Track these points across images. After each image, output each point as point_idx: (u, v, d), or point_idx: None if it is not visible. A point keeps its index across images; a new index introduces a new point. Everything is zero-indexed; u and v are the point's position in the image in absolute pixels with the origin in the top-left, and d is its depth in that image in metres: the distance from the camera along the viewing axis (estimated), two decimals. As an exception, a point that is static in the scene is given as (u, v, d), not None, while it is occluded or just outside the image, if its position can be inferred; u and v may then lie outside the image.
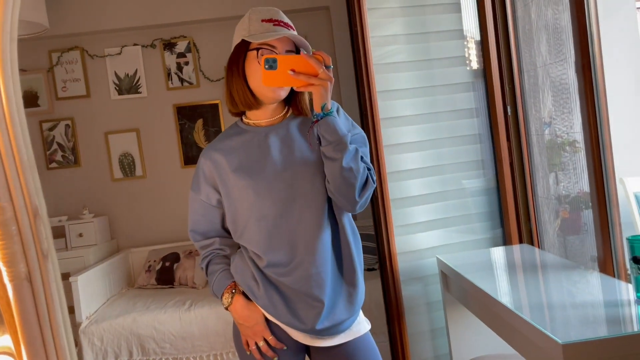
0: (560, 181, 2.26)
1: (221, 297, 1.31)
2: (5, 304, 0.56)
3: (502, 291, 1.69)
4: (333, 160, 1.19)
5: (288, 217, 1.25)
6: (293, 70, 1.14)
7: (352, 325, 1.30)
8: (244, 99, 1.24)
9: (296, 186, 1.25)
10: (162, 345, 2.62)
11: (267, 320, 1.30)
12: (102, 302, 2.94)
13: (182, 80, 3.46)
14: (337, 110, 1.30)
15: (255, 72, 1.21)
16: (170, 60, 3.44)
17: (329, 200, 1.28)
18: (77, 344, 2.63)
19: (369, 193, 1.23)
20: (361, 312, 1.36)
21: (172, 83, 3.45)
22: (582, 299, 1.49)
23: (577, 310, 1.39)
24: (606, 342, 1.15)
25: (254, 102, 1.25)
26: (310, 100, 1.26)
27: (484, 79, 2.36)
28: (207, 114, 3.48)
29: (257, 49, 1.21)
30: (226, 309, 1.32)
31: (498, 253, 2.23)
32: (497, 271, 2.01)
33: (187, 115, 3.48)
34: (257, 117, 1.30)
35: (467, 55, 2.43)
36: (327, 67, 1.16)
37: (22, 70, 3.37)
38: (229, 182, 1.28)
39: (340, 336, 1.28)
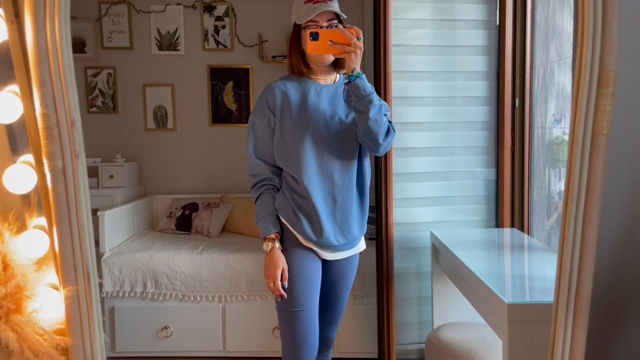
0: (563, 177, 2.38)
1: (263, 240, 1.64)
2: (44, 190, 0.77)
3: (479, 264, 1.86)
4: (362, 113, 1.54)
5: (328, 153, 1.62)
6: (331, 41, 1.49)
7: (359, 244, 1.74)
8: (297, 68, 1.66)
9: (337, 130, 1.62)
10: (173, 282, 2.88)
11: (299, 245, 1.64)
12: (124, 239, 3.21)
13: (217, 42, 3.65)
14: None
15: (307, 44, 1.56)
16: (209, 22, 3.64)
17: (359, 145, 1.65)
18: (99, 271, 2.91)
19: (390, 139, 1.60)
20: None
21: (208, 44, 3.65)
22: (542, 274, 1.65)
23: (533, 281, 1.55)
24: (547, 306, 1.31)
25: (306, 70, 1.66)
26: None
27: (497, 69, 2.47)
28: (238, 77, 3.67)
29: (305, 27, 1.56)
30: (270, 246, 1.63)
31: (488, 233, 2.38)
32: (481, 248, 2.17)
33: (219, 76, 3.68)
34: (315, 75, 1.68)
35: (489, 45, 2.54)
36: (358, 38, 1.50)
37: (72, 18, 3.59)
38: (286, 114, 1.62)
39: (349, 251, 1.71)
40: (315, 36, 1.50)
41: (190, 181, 3.77)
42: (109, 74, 3.67)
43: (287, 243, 1.65)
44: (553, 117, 2.36)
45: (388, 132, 1.60)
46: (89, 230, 0.75)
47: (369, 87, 1.53)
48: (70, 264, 0.77)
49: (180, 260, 2.90)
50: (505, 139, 2.44)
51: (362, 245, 1.77)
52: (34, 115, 0.66)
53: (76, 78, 3.48)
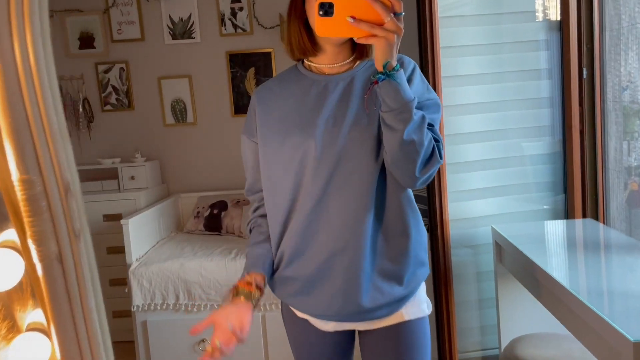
0: (633, 150, 2.09)
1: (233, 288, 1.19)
2: (36, 282, 0.53)
3: (560, 269, 1.59)
4: (393, 130, 1.02)
5: (330, 186, 1.11)
6: (353, 18, 0.95)
7: (399, 310, 1.18)
8: (299, 44, 1.12)
9: (348, 150, 1.10)
10: (207, 291, 2.68)
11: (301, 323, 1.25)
12: (152, 245, 3.01)
13: (235, 26, 3.36)
14: (413, 71, 1.15)
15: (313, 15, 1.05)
16: (225, 5, 3.34)
17: (381, 170, 1.12)
18: (127, 284, 2.72)
19: (433, 170, 1.08)
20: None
21: (225, 29, 3.37)
22: (654, 287, 1.37)
23: (649, 300, 1.27)
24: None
25: (311, 48, 1.12)
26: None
27: (559, 36, 2.15)
28: (259, 62, 3.39)
29: None
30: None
31: (558, 226, 2.09)
32: (556, 246, 1.89)
33: (239, 63, 3.40)
34: (320, 61, 1.16)
35: (542, 9, 2.22)
36: (396, 14, 0.95)
37: (78, 11, 3.36)
38: (270, 128, 1.16)
39: (374, 321, 1.18)
40: (327, 9, 0.96)
41: (216, 177, 3.54)
42: (122, 68, 3.42)
43: (283, 308, 1.29)
44: (627, 85, 2.05)
45: (431, 158, 1.06)
46: (104, 335, 0.52)
47: (409, 92, 1.00)
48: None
49: (213, 268, 2.68)
50: (572, 116, 2.13)
51: (409, 311, 1.18)
52: (11, 180, 0.43)
53: (87, 75, 3.22)
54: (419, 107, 1.08)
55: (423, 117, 1.04)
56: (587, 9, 2.07)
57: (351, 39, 1.12)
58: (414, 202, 1.18)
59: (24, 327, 0.53)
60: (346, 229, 1.11)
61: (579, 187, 2.15)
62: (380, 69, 0.98)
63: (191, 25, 3.36)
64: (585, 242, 1.88)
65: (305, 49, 1.12)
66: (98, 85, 3.44)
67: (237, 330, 1.09)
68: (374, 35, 0.96)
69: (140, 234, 2.88)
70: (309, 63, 1.18)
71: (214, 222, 3.22)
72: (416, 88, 1.12)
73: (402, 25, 0.95)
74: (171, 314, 2.73)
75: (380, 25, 0.95)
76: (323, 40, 1.11)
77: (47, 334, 0.54)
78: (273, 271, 1.23)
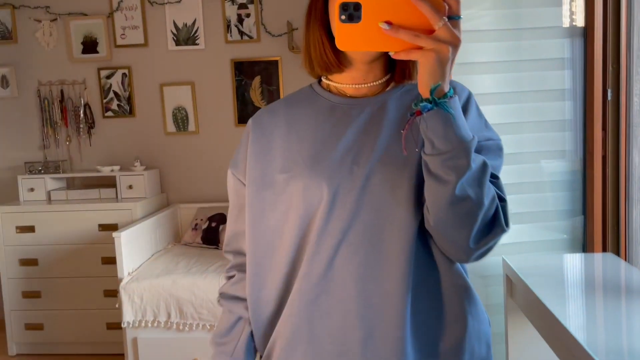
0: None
1: None
2: None
3: (576, 318, 1.43)
4: (440, 181, 0.73)
5: (340, 247, 0.81)
6: (389, 23, 0.67)
7: None
8: (321, 57, 0.83)
9: (377, 201, 0.80)
10: (199, 310, 2.55)
11: None
12: (146, 257, 2.90)
13: (242, 33, 3.25)
14: (468, 100, 0.86)
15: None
16: (231, 11, 3.23)
17: (420, 229, 0.81)
18: (118, 299, 2.60)
19: (494, 242, 0.78)
20: None
21: (231, 36, 3.26)
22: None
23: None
24: None
25: (336, 62, 0.83)
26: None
27: (584, 55, 2.00)
28: (265, 71, 3.27)
29: None
30: None
31: (575, 262, 1.93)
32: (571, 288, 1.73)
33: (244, 71, 3.29)
34: (342, 80, 0.87)
35: (565, 25, 2.06)
36: (451, 17, 0.67)
37: (82, 15, 3.28)
38: (269, 166, 0.88)
39: None
40: (352, 12, 0.68)
41: (217, 188, 3.42)
42: (124, 74, 3.32)
43: None
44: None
45: (493, 223, 0.77)
46: None
47: (466, 129, 0.72)
48: None
49: (207, 287, 2.55)
50: (594, 140, 1.97)
51: None
52: None
53: (90, 80, 3.15)
54: (477, 150, 0.78)
55: (484, 165, 0.74)
56: (613, 24, 1.92)
57: (387, 53, 0.81)
58: (467, 275, 0.87)
59: None
60: (371, 311, 0.80)
61: (599, 218, 1.99)
62: (426, 94, 0.70)
63: (196, 31, 3.26)
64: (604, 283, 1.72)
65: (329, 63, 0.83)
66: (100, 90, 3.35)
67: None
68: (419, 48, 0.68)
69: (134, 246, 2.77)
70: (328, 82, 0.89)
71: (211, 235, 3.10)
72: (472, 123, 0.84)
73: (460, 34, 0.67)
74: (163, 332, 2.61)
75: (428, 33, 0.67)
76: (353, 53, 0.81)
77: None
78: None
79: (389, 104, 0.86)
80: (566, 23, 2.06)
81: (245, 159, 0.92)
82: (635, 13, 1.90)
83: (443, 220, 0.75)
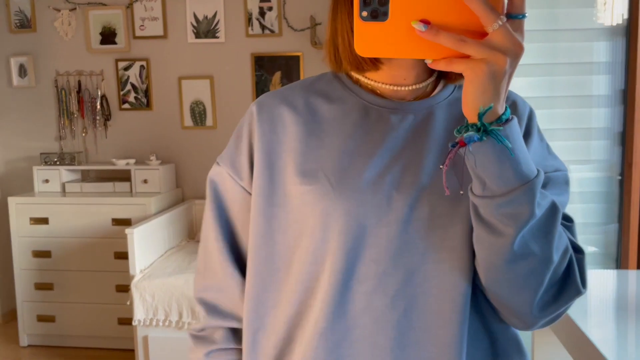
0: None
1: None
2: None
3: (604, 333, 1.35)
4: (494, 233, 0.57)
5: (387, 297, 0.63)
6: (425, 23, 0.51)
7: None
8: (350, 53, 0.64)
9: (409, 238, 0.63)
10: (212, 312, 2.49)
11: None
12: (159, 255, 2.85)
13: (263, 27, 3.17)
14: (530, 121, 0.70)
15: None
16: (253, 4, 3.15)
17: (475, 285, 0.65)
18: (130, 296, 2.56)
19: (565, 307, 0.63)
20: None
21: (252, 29, 3.18)
22: None
23: None
24: None
25: (369, 59, 0.64)
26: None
27: (626, 58, 1.88)
28: (287, 66, 3.19)
29: None
30: None
31: (608, 278, 1.83)
32: (602, 304, 1.64)
33: (265, 66, 3.21)
34: (377, 77, 0.69)
35: (609, 27, 1.95)
36: (511, 16, 0.52)
37: (102, 5, 3.23)
38: (285, 170, 0.68)
39: None
40: (376, 7, 0.52)
41: (233, 185, 3.35)
42: (142, 66, 3.27)
43: None
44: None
45: (566, 283, 0.62)
46: None
47: (529, 164, 0.55)
48: None
49: (220, 287, 2.49)
50: (634, 150, 1.86)
51: None
52: None
53: (107, 72, 3.07)
54: (542, 186, 0.60)
55: (554, 209, 0.58)
56: (659, 28, 1.81)
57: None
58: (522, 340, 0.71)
59: None
60: None
61: (636, 232, 1.88)
62: (473, 119, 0.53)
63: (216, 24, 3.19)
64: (638, 302, 1.61)
65: (361, 60, 0.64)
66: (117, 82, 3.30)
67: None
68: (466, 56, 0.51)
69: (147, 243, 2.72)
70: (361, 77, 0.70)
71: (227, 234, 3.04)
72: (534, 150, 0.68)
73: (523, 39, 0.52)
74: (174, 331, 2.55)
75: (479, 37, 0.51)
76: None
77: None
78: None
79: (436, 112, 0.68)
80: (607, 24, 1.94)
81: (247, 159, 0.71)
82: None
83: (499, 281, 0.59)
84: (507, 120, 0.53)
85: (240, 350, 0.76)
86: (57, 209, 2.98)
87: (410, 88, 0.68)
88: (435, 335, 0.62)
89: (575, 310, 1.54)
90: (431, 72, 0.69)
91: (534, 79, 1.95)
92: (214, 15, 3.18)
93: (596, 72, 1.95)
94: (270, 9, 3.15)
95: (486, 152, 0.53)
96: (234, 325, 0.76)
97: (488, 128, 0.52)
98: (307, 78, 0.75)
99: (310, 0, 3.12)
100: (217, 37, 3.19)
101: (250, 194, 0.71)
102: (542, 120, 1.95)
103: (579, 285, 0.61)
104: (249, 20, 3.17)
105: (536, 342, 1.85)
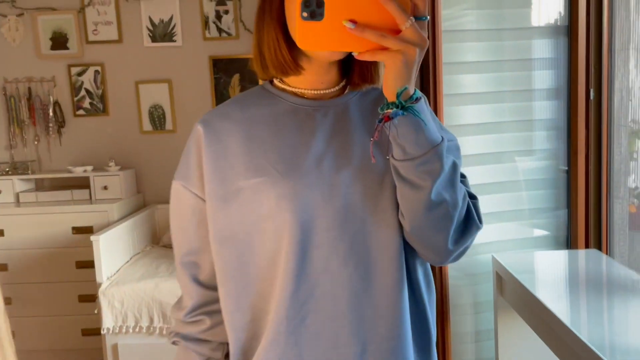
0: (632, 171, 2.01)
1: None
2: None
3: (562, 306, 1.50)
4: (415, 188, 0.71)
5: (333, 266, 0.76)
6: (354, 22, 0.65)
7: None
8: (276, 57, 0.77)
9: (351, 208, 0.76)
10: (184, 315, 2.50)
11: None
12: (124, 261, 2.82)
13: (220, 30, 3.19)
14: (426, 103, 0.79)
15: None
16: (209, 7, 3.16)
17: (402, 240, 0.78)
18: (97, 305, 2.52)
19: (470, 240, 0.79)
20: None
21: (209, 33, 3.19)
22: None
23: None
24: None
25: (293, 64, 0.77)
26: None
27: (568, 55, 2.04)
28: (245, 68, 3.22)
29: None
30: None
31: (561, 258, 1.99)
32: (558, 280, 1.80)
33: (223, 68, 3.23)
34: (298, 84, 0.82)
35: (552, 25, 2.11)
36: (418, 18, 0.65)
37: (52, 9, 3.15)
38: (234, 175, 0.79)
39: None
40: (314, 8, 0.65)
41: (195, 188, 3.35)
42: (96, 71, 3.21)
43: None
44: (630, 105, 1.96)
45: (468, 222, 0.78)
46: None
47: (435, 132, 0.71)
48: None
49: (191, 290, 2.50)
50: (578, 139, 2.02)
51: None
52: None
53: (59, 77, 3.01)
54: None
55: (455, 166, 0.74)
56: (595, 24, 1.97)
57: (344, 58, 0.78)
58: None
59: None
60: (364, 325, 0.77)
61: (583, 216, 2.04)
62: (392, 98, 0.67)
63: (172, 28, 3.18)
64: (588, 277, 1.79)
65: (285, 64, 0.77)
66: (71, 88, 3.23)
67: None
68: (385, 49, 0.65)
69: (112, 249, 2.68)
70: (282, 85, 0.84)
71: (192, 237, 3.05)
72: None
73: (426, 35, 0.66)
74: (144, 337, 2.54)
75: (394, 34, 0.65)
76: (313, 53, 0.76)
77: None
78: None
79: (351, 106, 0.83)
80: (549, 23, 2.10)
81: (198, 169, 0.81)
82: (615, 13, 1.95)
83: (420, 226, 0.74)
84: (417, 99, 0.68)
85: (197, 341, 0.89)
86: (11, 220, 2.89)
87: (326, 91, 0.83)
88: (380, 283, 0.77)
89: (533, 284, 1.68)
90: (340, 78, 0.84)
91: (483, 75, 2.08)
92: (170, 19, 3.17)
93: (540, 68, 2.10)
94: (226, 12, 3.17)
95: (406, 124, 0.68)
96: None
97: (405, 105, 0.67)
98: (238, 94, 0.89)
99: (266, 3, 3.17)
100: (174, 41, 3.19)
101: (202, 200, 0.82)
102: (492, 114, 2.09)
103: (477, 222, 0.79)
104: (206, 23, 3.18)
105: (500, 322, 1.98)
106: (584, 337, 1.25)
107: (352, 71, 0.82)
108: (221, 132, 0.81)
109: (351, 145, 0.79)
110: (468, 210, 0.77)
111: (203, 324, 0.88)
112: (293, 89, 0.83)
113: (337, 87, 0.83)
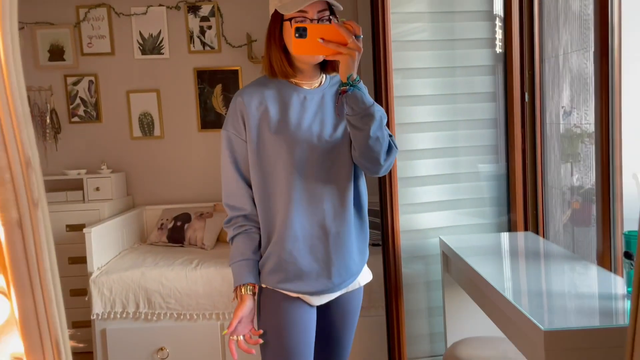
0: (575, 172, 2.24)
1: (235, 289, 1.37)
2: (-1, 251, 0.61)
3: (496, 276, 1.71)
4: (359, 130, 1.24)
5: (317, 178, 1.33)
6: (323, 39, 1.19)
7: (359, 277, 1.46)
8: (281, 68, 1.32)
9: (327, 149, 1.33)
10: (167, 300, 2.72)
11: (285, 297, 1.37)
12: (114, 255, 3.04)
13: (204, 44, 3.48)
14: None
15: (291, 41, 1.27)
16: (194, 23, 3.46)
17: (353, 165, 1.37)
18: (87, 292, 2.74)
19: (392, 157, 1.32)
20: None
21: (194, 46, 3.48)
22: (574, 290, 1.50)
23: (566, 300, 1.40)
24: (588, 332, 1.17)
25: (291, 71, 1.33)
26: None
27: (504, 63, 2.33)
28: (226, 79, 3.50)
29: (290, 19, 1.26)
30: (234, 297, 1.39)
31: (501, 239, 2.24)
32: (496, 256, 2.02)
33: (206, 79, 3.51)
34: (299, 80, 1.36)
35: (492, 37, 2.39)
36: (356, 37, 1.20)
37: (49, 24, 3.42)
38: (264, 131, 1.33)
39: (348, 286, 1.43)
40: (302, 32, 1.19)
41: (181, 190, 3.60)
42: (90, 81, 3.48)
43: (268, 297, 1.38)
44: (562, 109, 2.22)
45: (390, 149, 1.31)
46: (57, 293, 0.60)
47: (369, 99, 1.23)
48: (35, 333, 0.62)
49: (174, 277, 2.73)
50: (515, 136, 2.29)
51: (364, 277, 1.49)
52: None
53: (56, 87, 3.27)
54: None
55: (382, 118, 1.26)
56: (528, 39, 2.26)
57: (320, 63, 1.35)
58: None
59: (-18, 291, 0.61)
60: (336, 213, 1.35)
61: (521, 203, 2.30)
62: (344, 80, 1.21)
63: (161, 42, 3.46)
64: (520, 251, 2.02)
65: (286, 72, 1.33)
66: (66, 97, 3.49)
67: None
68: (340, 53, 1.20)
69: (103, 243, 2.91)
70: (291, 77, 1.38)
71: (177, 234, 3.27)
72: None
73: (361, 45, 1.20)
74: (131, 322, 2.75)
75: (344, 45, 1.19)
76: (300, 64, 1.32)
77: (6, 295, 0.62)
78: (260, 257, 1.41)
79: (325, 93, 1.39)
80: (490, 35, 2.39)
81: (242, 125, 1.34)
82: (545, 29, 2.24)
83: (365, 151, 1.28)
84: (359, 80, 1.23)
85: (250, 227, 1.39)
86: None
87: (314, 80, 1.39)
88: (338, 196, 1.36)
89: (476, 261, 1.91)
90: (319, 75, 1.39)
91: (437, 79, 2.35)
92: (159, 34, 3.45)
93: (484, 74, 2.38)
94: (209, 27, 3.46)
95: (355, 94, 1.22)
96: (244, 213, 1.39)
97: (352, 84, 1.22)
98: (258, 79, 1.41)
99: (245, 19, 3.46)
100: (162, 54, 3.47)
101: (245, 142, 1.36)
102: (446, 114, 2.35)
103: (395, 147, 1.33)
104: (191, 38, 3.47)
105: (447, 298, 2.22)
106: (507, 294, 1.48)
107: (327, 65, 1.37)
108: (255, 102, 1.34)
109: (326, 117, 1.36)
110: (390, 142, 1.32)
111: (246, 228, 1.40)
112: (294, 81, 1.36)
113: (318, 80, 1.39)
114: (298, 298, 1.37)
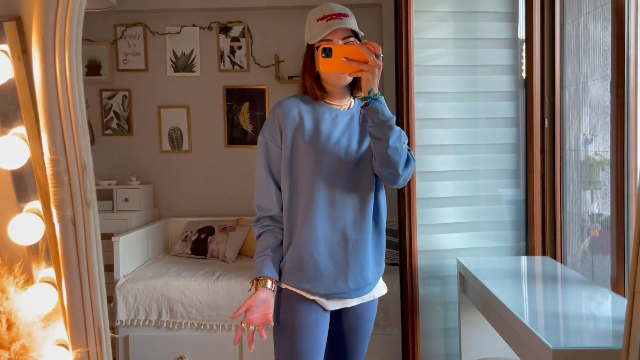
0: (595, 199, 2.26)
1: (253, 280, 1.45)
2: (53, 241, 0.69)
3: (512, 297, 1.74)
4: (380, 140, 1.36)
5: (342, 187, 1.44)
6: (346, 58, 1.32)
7: (374, 289, 1.54)
8: (312, 92, 1.48)
9: (352, 162, 1.46)
10: (189, 310, 2.80)
11: (301, 299, 1.46)
12: (139, 264, 3.14)
13: (233, 63, 3.61)
14: None
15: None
16: (225, 43, 3.60)
17: (375, 177, 1.48)
18: (113, 299, 2.84)
19: (410, 168, 1.44)
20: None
21: (224, 65, 3.61)
22: (585, 312, 1.53)
23: (576, 321, 1.43)
24: (596, 352, 1.20)
25: (321, 94, 1.48)
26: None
27: (525, 89, 2.38)
28: (254, 98, 3.62)
29: (319, 46, 1.38)
30: (251, 287, 1.47)
31: (518, 262, 2.26)
32: (513, 279, 2.05)
33: (235, 97, 3.63)
34: (331, 100, 1.51)
35: (514, 64, 2.45)
36: (376, 55, 1.33)
37: (88, 41, 3.60)
38: (298, 140, 1.45)
39: (364, 296, 1.51)
40: (328, 52, 1.33)
41: (206, 204, 3.70)
42: (124, 96, 3.64)
43: (286, 298, 1.47)
44: (584, 137, 2.25)
45: (408, 161, 1.43)
46: (101, 286, 0.67)
47: (388, 112, 1.36)
48: (80, 322, 0.69)
49: (196, 288, 2.81)
50: (534, 161, 2.33)
51: (379, 290, 1.56)
52: (43, 160, 0.59)
53: (91, 100, 3.43)
54: None
55: (401, 131, 1.41)
56: (549, 66, 2.31)
57: (349, 85, 1.50)
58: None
59: (37, 280, 0.69)
60: (356, 221, 1.46)
61: (539, 228, 2.33)
62: (366, 94, 1.35)
63: (192, 60, 3.61)
64: (539, 276, 2.04)
65: (318, 95, 1.49)
66: (101, 110, 3.65)
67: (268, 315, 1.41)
68: (362, 70, 1.33)
69: (129, 252, 3.02)
70: (323, 99, 1.53)
71: (200, 246, 3.37)
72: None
73: (381, 63, 1.34)
74: (153, 330, 2.83)
75: (366, 63, 1.33)
76: (330, 86, 1.48)
77: (55, 286, 0.70)
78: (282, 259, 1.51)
79: (354, 113, 1.52)
80: (512, 62, 2.44)
81: (279, 133, 1.47)
82: (566, 58, 2.29)
83: (385, 161, 1.40)
84: (379, 95, 1.35)
85: (275, 227, 1.50)
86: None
87: (344, 102, 1.53)
88: (360, 205, 1.48)
89: (493, 284, 1.93)
90: (348, 98, 1.53)
91: (458, 103, 2.41)
92: (191, 52, 3.60)
93: (506, 100, 2.43)
94: (240, 47, 3.60)
95: (375, 107, 1.35)
96: (270, 214, 1.50)
97: (373, 98, 1.35)
98: (296, 94, 1.54)
99: (274, 41, 3.59)
100: (193, 72, 3.61)
101: (280, 148, 1.48)
102: (467, 137, 2.40)
103: (413, 159, 1.44)
104: (221, 57, 3.60)
105: (463, 319, 2.24)
106: (517, 313, 1.51)
107: (355, 87, 1.51)
108: (293, 113, 1.47)
109: (354, 134, 1.49)
110: (409, 155, 1.44)
111: (271, 228, 1.51)
112: (327, 102, 1.50)
113: (348, 101, 1.53)
114: (314, 301, 1.45)
